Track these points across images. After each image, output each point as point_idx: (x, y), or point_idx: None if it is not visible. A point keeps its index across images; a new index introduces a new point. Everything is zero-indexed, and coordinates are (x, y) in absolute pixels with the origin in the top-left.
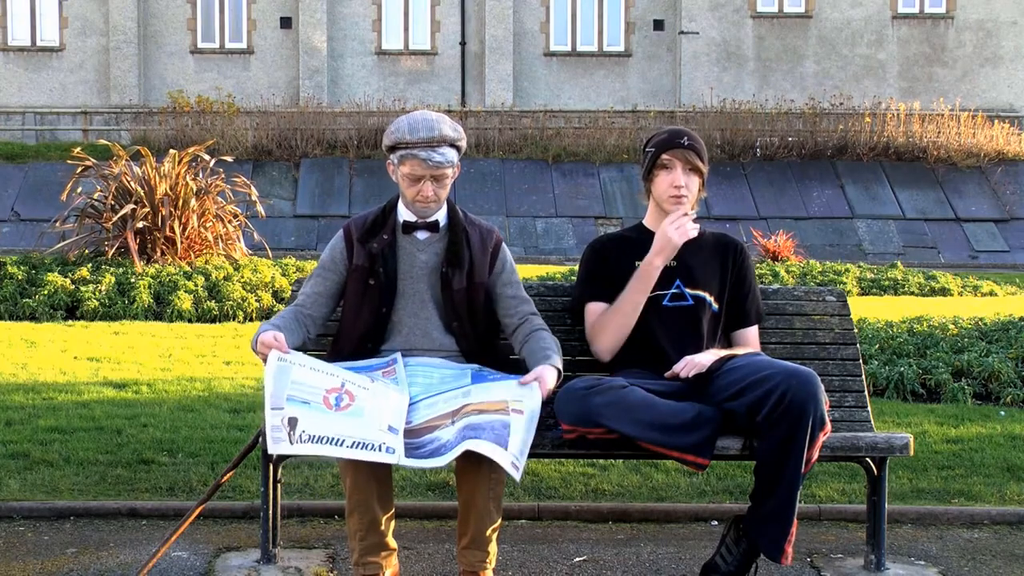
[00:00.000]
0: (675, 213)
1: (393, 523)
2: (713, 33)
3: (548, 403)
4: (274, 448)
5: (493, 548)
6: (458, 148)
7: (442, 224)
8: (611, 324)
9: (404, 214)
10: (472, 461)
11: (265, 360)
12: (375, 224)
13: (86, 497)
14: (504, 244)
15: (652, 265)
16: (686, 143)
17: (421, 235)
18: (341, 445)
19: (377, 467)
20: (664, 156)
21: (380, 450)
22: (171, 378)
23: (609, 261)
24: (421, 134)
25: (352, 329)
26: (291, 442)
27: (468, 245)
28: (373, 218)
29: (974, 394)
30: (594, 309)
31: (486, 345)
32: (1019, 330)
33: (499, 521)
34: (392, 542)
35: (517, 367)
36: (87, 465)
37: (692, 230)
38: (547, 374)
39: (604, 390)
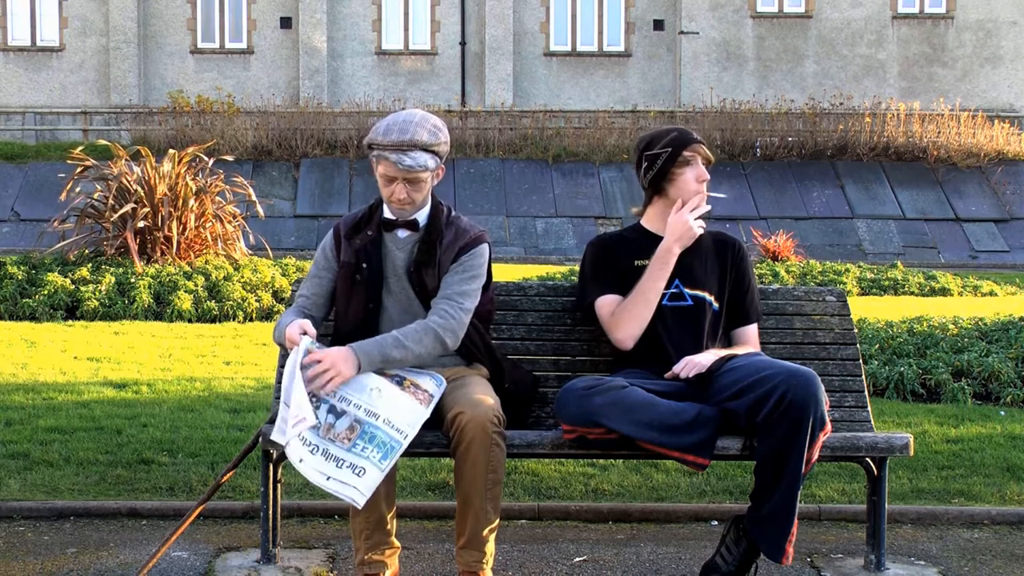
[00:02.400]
0: (694, 201)
1: (396, 522)
2: (713, 33)
3: (550, 403)
4: (276, 435)
5: (490, 548)
6: (435, 153)
7: (422, 224)
8: (633, 310)
9: (386, 212)
10: (469, 461)
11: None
12: (361, 221)
13: (86, 497)
14: (483, 246)
15: (671, 252)
16: (698, 137)
17: (401, 233)
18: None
19: None
20: (686, 152)
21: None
22: (171, 378)
23: (611, 259)
24: (393, 136)
25: (344, 325)
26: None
27: (440, 245)
28: (360, 216)
29: (974, 394)
30: (607, 302)
31: (477, 340)
32: (1019, 330)
33: (496, 521)
34: (395, 540)
35: (515, 366)
36: (87, 465)
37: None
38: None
39: (604, 390)
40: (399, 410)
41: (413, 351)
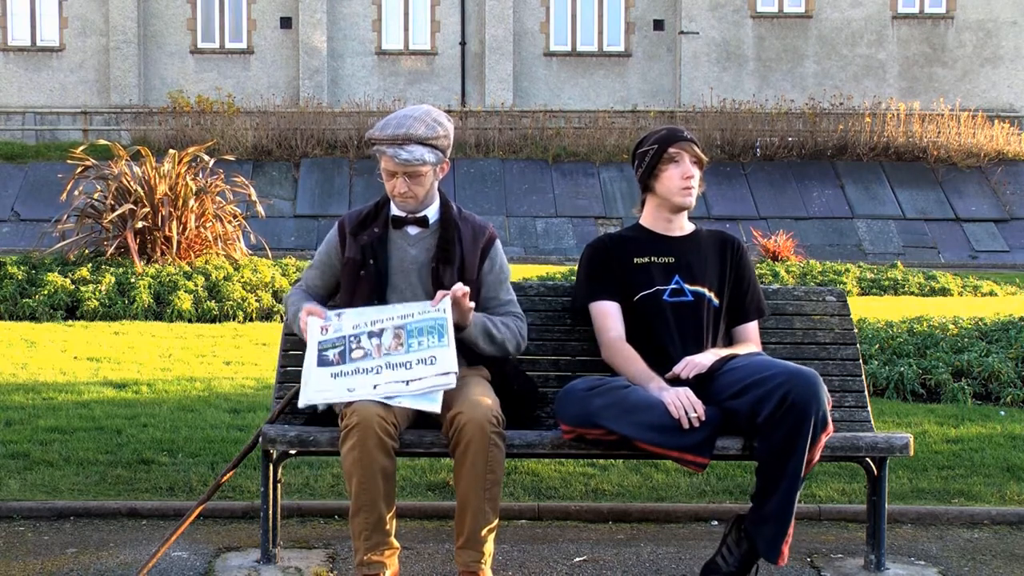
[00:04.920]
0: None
1: (395, 522)
2: (713, 33)
3: (550, 402)
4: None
5: (488, 548)
6: (433, 147)
7: (432, 220)
8: (621, 366)
9: (394, 209)
10: (468, 461)
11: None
12: (367, 218)
13: (86, 497)
14: (498, 241)
15: (650, 388)
16: (688, 136)
17: (412, 230)
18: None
19: (384, 465)
20: (671, 149)
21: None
22: (171, 378)
23: (609, 260)
24: (388, 131)
25: None
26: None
27: (459, 241)
28: (366, 212)
29: (974, 394)
30: (600, 307)
31: None
32: (1019, 330)
33: (495, 521)
34: (395, 541)
35: (517, 370)
36: (87, 465)
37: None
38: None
39: (604, 391)
40: (423, 303)
41: (502, 333)
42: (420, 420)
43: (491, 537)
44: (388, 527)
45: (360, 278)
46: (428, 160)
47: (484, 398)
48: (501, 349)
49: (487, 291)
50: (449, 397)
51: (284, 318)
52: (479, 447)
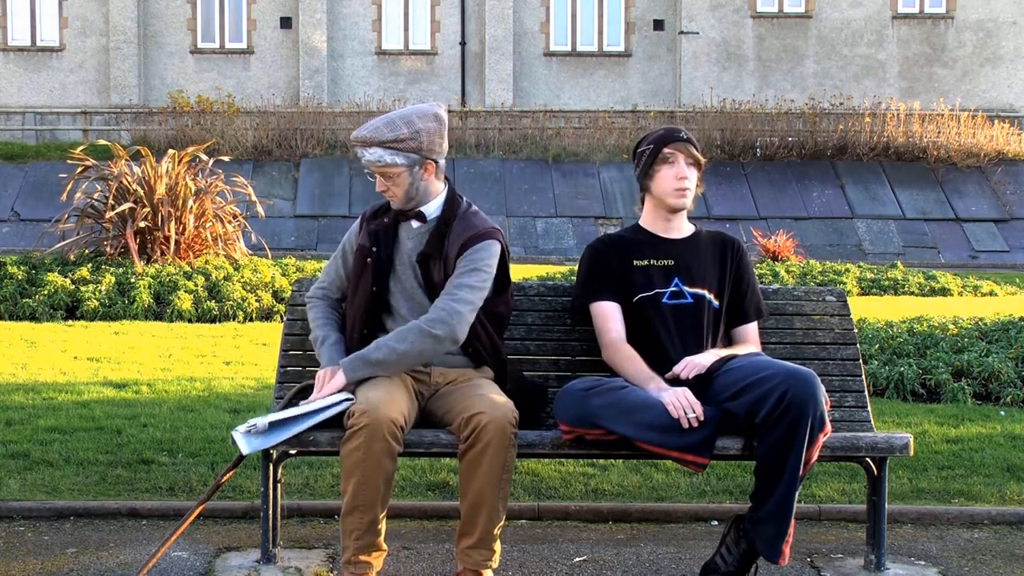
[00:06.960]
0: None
1: (385, 525)
2: (713, 33)
3: (549, 402)
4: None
5: (498, 547)
6: (395, 149)
7: (432, 216)
8: (621, 366)
9: None
10: (486, 461)
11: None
12: (381, 209)
13: (86, 497)
14: (488, 243)
15: (649, 388)
16: (685, 136)
17: (414, 224)
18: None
19: (387, 469)
20: (666, 149)
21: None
22: (171, 378)
23: (610, 261)
24: (357, 133)
25: (351, 307)
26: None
27: (448, 239)
28: (383, 204)
29: (974, 394)
30: (600, 308)
31: (484, 340)
32: (1019, 330)
33: (504, 520)
34: (383, 543)
35: (518, 371)
36: (87, 465)
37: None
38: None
39: (603, 391)
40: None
41: (396, 349)
42: (420, 420)
43: (499, 535)
44: (380, 527)
45: (366, 264)
46: (388, 162)
47: (501, 398)
48: (407, 355)
49: (453, 276)
50: (460, 398)
51: (283, 317)
52: (499, 447)
